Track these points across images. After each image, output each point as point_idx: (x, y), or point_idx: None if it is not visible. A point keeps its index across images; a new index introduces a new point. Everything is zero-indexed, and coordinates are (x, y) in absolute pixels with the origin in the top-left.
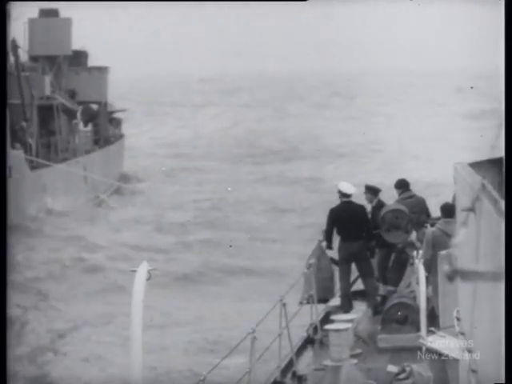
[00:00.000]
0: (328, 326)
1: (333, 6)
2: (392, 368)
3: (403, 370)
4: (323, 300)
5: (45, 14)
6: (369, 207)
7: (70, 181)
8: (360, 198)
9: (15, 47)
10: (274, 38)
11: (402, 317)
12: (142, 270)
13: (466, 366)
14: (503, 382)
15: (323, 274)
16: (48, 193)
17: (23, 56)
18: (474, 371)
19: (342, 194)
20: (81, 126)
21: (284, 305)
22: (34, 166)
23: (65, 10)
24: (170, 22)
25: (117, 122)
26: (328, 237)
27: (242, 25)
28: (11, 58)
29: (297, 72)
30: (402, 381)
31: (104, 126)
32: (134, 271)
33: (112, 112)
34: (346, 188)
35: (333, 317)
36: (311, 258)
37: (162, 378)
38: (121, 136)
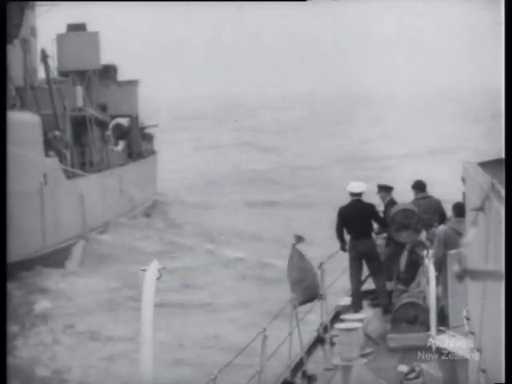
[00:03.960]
0: (338, 326)
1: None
2: (402, 367)
3: (413, 370)
4: (310, 300)
5: (72, 28)
6: (382, 206)
7: (105, 192)
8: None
9: (45, 57)
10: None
11: (412, 316)
12: (153, 269)
13: (475, 366)
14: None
15: (308, 274)
16: (85, 203)
17: (53, 72)
18: (483, 371)
19: (351, 193)
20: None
21: (294, 305)
22: (69, 176)
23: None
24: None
25: (149, 138)
26: (339, 236)
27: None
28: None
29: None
30: (412, 380)
31: (136, 140)
32: (144, 270)
33: (144, 127)
34: (354, 187)
35: (343, 316)
36: (291, 262)
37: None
38: (153, 152)
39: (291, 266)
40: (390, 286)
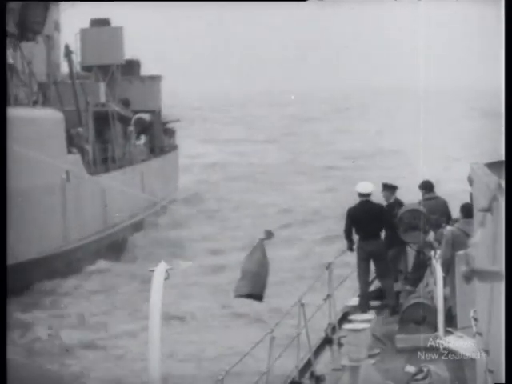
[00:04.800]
0: (346, 326)
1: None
2: (409, 368)
3: (420, 371)
4: (258, 296)
5: (96, 23)
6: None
7: (127, 188)
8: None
9: (69, 53)
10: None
11: (420, 317)
12: (161, 269)
13: (483, 367)
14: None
15: (264, 271)
16: (107, 199)
17: (76, 66)
18: (490, 371)
19: (360, 194)
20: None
21: (302, 305)
22: (91, 172)
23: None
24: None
25: (171, 133)
26: (347, 237)
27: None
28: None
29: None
30: (420, 381)
31: (158, 135)
32: (153, 271)
33: (166, 122)
34: (363, 188)
35: (351, 317)
36: (252, 254)
37: None
38: (175, 147)
39: (251, 257)
40: (396, 286)
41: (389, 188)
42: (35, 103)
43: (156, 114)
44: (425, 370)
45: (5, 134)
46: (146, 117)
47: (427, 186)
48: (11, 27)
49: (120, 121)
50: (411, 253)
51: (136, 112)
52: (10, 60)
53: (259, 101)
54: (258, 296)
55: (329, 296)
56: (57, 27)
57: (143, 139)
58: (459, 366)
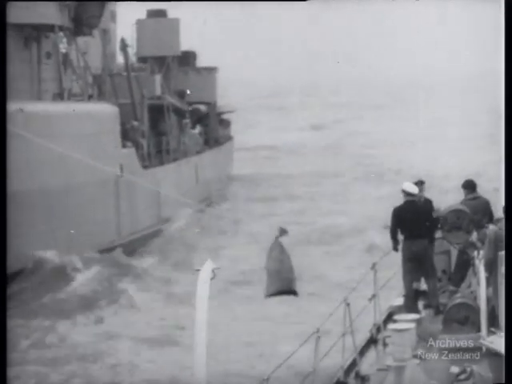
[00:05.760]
0: (391, 326)
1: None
2: (454, 368)
3: (464, 371)
4: (289, 291)
5: (153, 14)
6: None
7: (181, 180)
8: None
9: (125, 47)
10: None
11: (463, 317)
12: (207, 268)
13: None
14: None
15: (285, 267)
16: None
17: (131, 58)
18: None
19: (406, 194)
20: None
21: (348, 305)
22: (146, 166)
23: (172, 9)
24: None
25: (226, 124)
26: (393, 237)
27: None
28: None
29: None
30: (463, 381)
31: (214, 127)
32: (199, 270)
33: (221, 113)
34: (410, 187)
35: (396, 317)
36: (270, 253)
37: None
38: (230, 137)
39: (271, 257)
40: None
41: (419, 184)
42: (90, 97)
43: (211, 105)
44: (468, 370)
45: (5, 136)
46: (202, 107)
47: (470, 186)
48: (66, 22)
49: (175, 113)
50: (454, 253)
51: (191, 104)
52: (62, 50)
53: (309, 90)
54: (289, 291)
55: (374, 296)
56: (113, 18)
57: (198, 129)
58: (502, 366)
